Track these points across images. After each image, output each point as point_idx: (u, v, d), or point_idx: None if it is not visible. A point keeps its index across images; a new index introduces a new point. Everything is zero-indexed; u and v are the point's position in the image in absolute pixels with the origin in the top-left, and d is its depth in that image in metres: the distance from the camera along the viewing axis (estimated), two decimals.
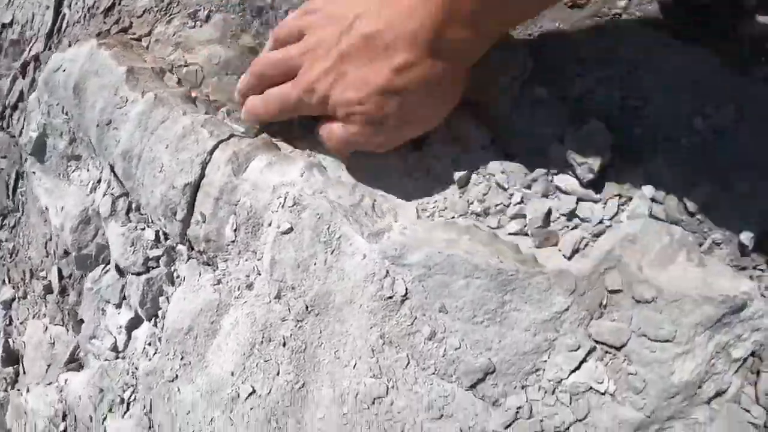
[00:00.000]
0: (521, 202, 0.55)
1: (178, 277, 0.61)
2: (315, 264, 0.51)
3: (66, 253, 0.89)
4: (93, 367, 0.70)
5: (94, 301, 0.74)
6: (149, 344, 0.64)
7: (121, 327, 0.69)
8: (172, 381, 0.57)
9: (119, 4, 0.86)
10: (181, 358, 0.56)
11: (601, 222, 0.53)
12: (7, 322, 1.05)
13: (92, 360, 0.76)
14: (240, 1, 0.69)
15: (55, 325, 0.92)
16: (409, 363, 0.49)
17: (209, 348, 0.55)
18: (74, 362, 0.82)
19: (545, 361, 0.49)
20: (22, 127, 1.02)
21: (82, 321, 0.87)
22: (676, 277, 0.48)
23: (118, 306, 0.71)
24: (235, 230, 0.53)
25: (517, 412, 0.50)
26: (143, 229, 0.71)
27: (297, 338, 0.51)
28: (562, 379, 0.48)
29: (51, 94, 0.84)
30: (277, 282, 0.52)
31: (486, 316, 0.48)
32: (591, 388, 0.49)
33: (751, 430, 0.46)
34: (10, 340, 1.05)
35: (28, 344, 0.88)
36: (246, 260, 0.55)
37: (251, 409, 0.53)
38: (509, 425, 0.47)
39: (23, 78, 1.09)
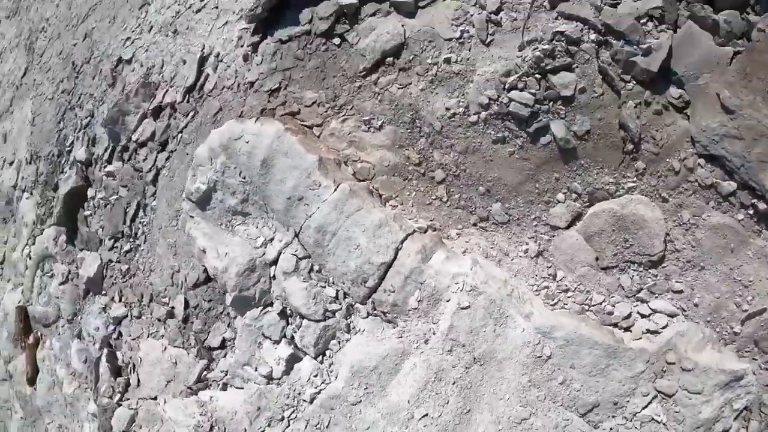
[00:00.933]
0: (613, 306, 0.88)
1: (354, 327, 0.87)
2: (485, 331, 0.80)
3: (196, 286, 1.09)
4: (249, 389, 0.93)
5: (251, 335, 0.97)
6: (315, 376, 0.88)
7: (280, 359, 0.92)
8: (355, 404, 0.83)
9: (285, 89, 1.07)
10: (365, 388, 0.82)
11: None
12: (116, 336, 1.21)
13: (239, 382, 0.98)
14: (411, 120, 0.94)
15: (175, 346, 1.11)
16: (546, 398, 0.78)
17: (390, 383, 0.82)
18: (202, 382, 1.02)
19: (628, 401, 0.81)
20: (152, 164, 1.19)
21: (210, 348, 1.07)
22: (705, 358, 0.81)
23: (277, 342, 0.95)
24: (419, 301, 0.81)
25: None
26: (323, 287, 0.96)
27: (464, 379, 0.80)
28: (636, 413, 0.80)
29: (229, 158, 1.05)
30: (451, 341, 0.81)
31: (597, 372, 0.79)
32: (653, 419, 0.81)
33: None
34: (118, 353, 1.20)
35: (144, 360, 1.07)
36: (424, 323, 0.83)
37: (424, 426, 0.80)
38: None
39: (154, 120, 1.24)
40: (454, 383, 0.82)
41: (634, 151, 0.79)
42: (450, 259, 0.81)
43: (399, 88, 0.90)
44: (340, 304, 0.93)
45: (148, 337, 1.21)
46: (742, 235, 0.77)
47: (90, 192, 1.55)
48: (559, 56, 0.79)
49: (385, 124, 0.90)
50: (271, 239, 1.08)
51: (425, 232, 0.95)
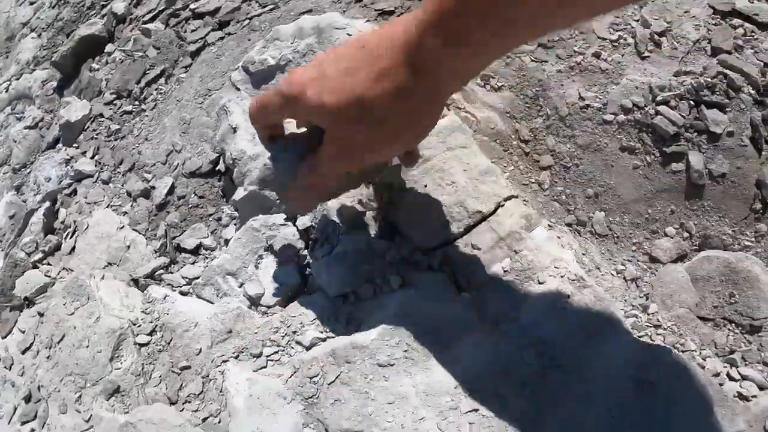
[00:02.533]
0: None
1: (406, 280, 0.67)
2: (578, 336, 0.65)
3: (192, 175, 0.83)
4: (225, 305, 0.69)
5: (254, 243, 0.73)
6: (327, 319, 0.68)
7: (283, 286, 0.69)
8: (384, 366, 0.63)
9: (401, 15, 0.89)
10: (405, 351, 0.63)
11: None
12: (69, 193, 0.94)
13: (209, 293, 0.73)
14: (535, 95, 0.82)
15: (135, 230, 0.82)
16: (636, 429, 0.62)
17: (440, 355, 0.64)
18: (153, 280, 0.74)
19: None
20: (201, 38, 0.98)
21: (179, 248, 0.79)
22: None
23: (285, 263, 0.71)
24: (505, 271, 0.66)
25: None
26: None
27: (537, 382, 0.63)
28: None
29: (320, 43, 0.85)
30: (529, 336, 0.65)
31: (701, 416, 0.65)
32: None
33: None
34: (62, 211, 0.93)
35: (91, 229, 0.83)
36: (500, 300, 0.67)
37: (470, 423, 0.62)
38: None
39: None
40: (523, 385, 0.62)
41: (761, 212, 0.74)
42: (553, 240, 0.66)
43: (533, 61, 0.80)
44: (397, 248, 0.68)
45: (107, 207, 0.87)
46: None
47: (109, 47, 1.23)
48: (718, 93, 0.76)
49: (505, 88, 0.78)
50: None
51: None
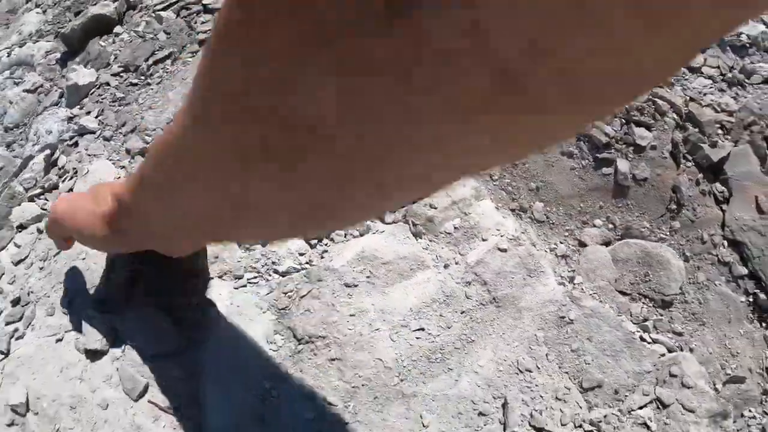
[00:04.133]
0: None
1: (373, 228, 0.82)
2: (514, 277, 0.79)
3: None
4: None
5: None
6: (302, 254, 0.81)
7: None
8: (350, 286, 0.77)
9: None
10: (368, 276, 0.77)
11: None
12: (71, 143, 1.05)
13: None
14: None
15: None
16: (554, 360, 0.76)
17: (395, 284, 0.77)
18: None
19: (627, 395, 0.79)
20: (210, 30, 1.12)
21: None
22: (702, 385, 0.82)
23: None
24: (455, 228, 0.81)
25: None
26: None
27: (476, 313, 0.77)
28: (632, 410, 0.78)
29: None
30: (474, 275, 0.79)
31: (611, 353, 0.79)
32: (645, 423, 0.78)
33: None
34: (62, 157, 1.04)
35: (90, 174, 0.95)
36: (450, 250, 0.81)
37: (417, 338, 0.75)
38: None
39: None
40: (462, 312, 0.73)
41: (675, 211, 0.87)
42: (498, 210, 0.78)
43: None
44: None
45: (107, 159, 0.95)
46: (740, 313, 0.83)
47: (118, 29, 1.33)
48: (646, 115, 0.90)
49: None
50: None
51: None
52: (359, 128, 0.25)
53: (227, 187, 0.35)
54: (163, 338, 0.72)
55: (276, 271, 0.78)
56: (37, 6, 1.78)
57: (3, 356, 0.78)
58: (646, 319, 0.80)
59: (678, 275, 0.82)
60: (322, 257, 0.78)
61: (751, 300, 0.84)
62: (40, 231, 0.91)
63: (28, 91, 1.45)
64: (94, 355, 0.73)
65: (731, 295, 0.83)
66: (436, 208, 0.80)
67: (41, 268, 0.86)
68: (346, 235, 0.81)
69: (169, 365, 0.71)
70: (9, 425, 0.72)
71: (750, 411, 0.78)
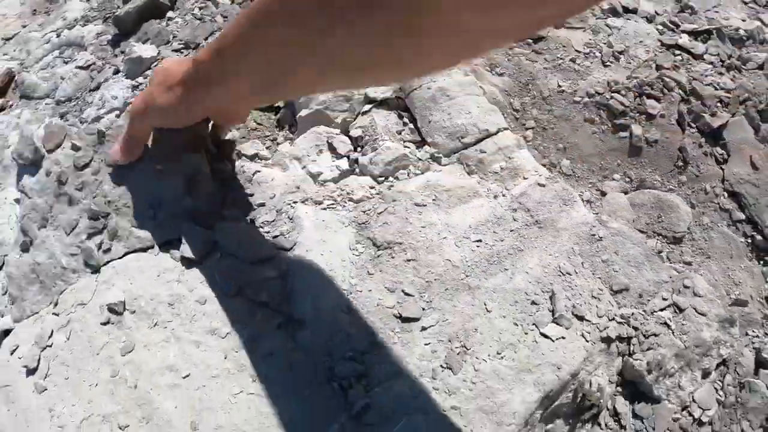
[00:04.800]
0: None
1: (431, 168, 0.97)
2: (552, 206, 0.95)
3: (254, 108, 1.13)
4: (292, 172, 0.97)
5: (316, 140, 1.03)
6: (372, 188, 0.96)
7: (336, 167, 0.99)
8: (419, 205, 0.92)
9: None
10: (434, 199, 0.92)
11: None
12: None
13: (279, 169, 1.01)
14: (526, 82, 1.16)
15: None
16: (588, 267, 0.90)
17: (456, 207, 0.92)
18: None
19: (649, 299, 0.90)
20: None
21: (241, 155, 1.07)
22: (710, 295, 0.97)
23: (339, 157, 1.02)
24: (501, 168, 0.97)
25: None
26: (411, 130, 1.05)
27: (522, 231, 0.92)
28: (654, 311, 0.88)
29: None
30: (519, 203, 0.94)
31: (634, 264, 0.92)
32: (665, 322, 0.90)
33: None
34: None
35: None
36: (498, 185, 0.97)
37: (477, 246, 0.90)
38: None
39: None
40: (512, 231, 0.86)
41: (682, 167, 1.01)
42: (535, 159, 0.92)
43: (527, 60, 1.12)
44: (425, 150, 0.94)
45: None
46: (741, 251, 0.96)
47: (171, 14, 1.44)
48: (656, 89, 1.06)
49: (506, 75, 1.08)
50: None
51: None
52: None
53: (313, 43, 0.45)
54: (257, 247, 0.84)
55: (351, 199, 0.93)
56: None
57: (93, 270, 0.83)
58: (660, 251, 0.96)
59: (686, 216, 0.98)
60: (389, 189, 0.93)
61: (749, 241, 1.00)
62: (102, 134, 0.95)
63: (80, 67, 1.51)
64: (190, 262, 0.82)
65: (732, 235, 0.99)
66: (485, 152, 0.96)
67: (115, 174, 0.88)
68: (409, 174, 0.96)
69: (262, 269, 0.81)
70: (104, 323, 0.79)
71: (753, 331, 0.93)
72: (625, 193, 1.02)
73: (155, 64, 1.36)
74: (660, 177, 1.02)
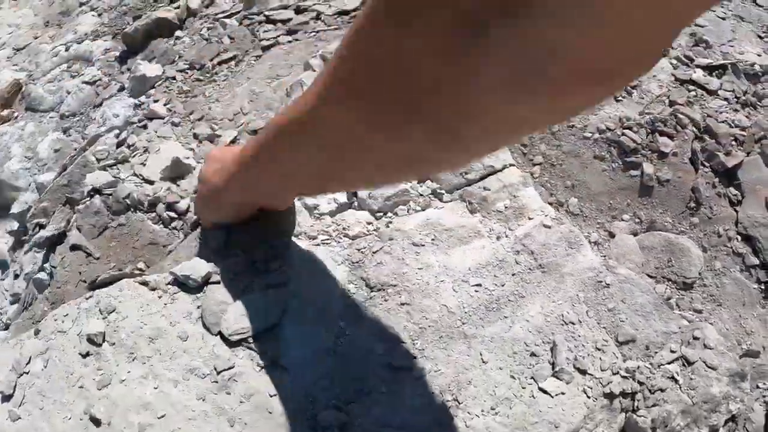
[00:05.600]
0: None
1: (433, 205, 0.93)
2: (557, 248, 0.91)
3: (254, 132, 1.10)
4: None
5: None
6: (369, 224, 0.93)
7: (333, 200, 0.96)
8: (417, 245, 0.88)
9: None
10: (433, 238, 0.89)
11: None
12: (140, 125, 1.10)
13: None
14: None
15: (198, 162, 1.06)
16: (593, 316, 0.86)
17: (456, 248, 0.89)
18: None
19: (657, 352, 0.87)
20: (273, 37, 1.24)
21: None
22: (722, 347, 0.92)
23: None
24: (506, 207, 0.93)
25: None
26: None
27: (524, 276, 0.88)
28: (661, 365, 0.85)
29: None
30: (522, 245, 0.91)
31: (642, 314, 0.88)
32: (672, 377, 0.87)
33: None
34: (132, 136, 1.09)
35: (162, 151, 1.03)
36: (501, 225, 0.93)
37: (476, 291, 0.86)
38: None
39: (296, 14, 1.32)
40: (514, 275, 0.82)
41: (695, 209, 0.97)
42: (541, 196, 0.89)
43: None
44: (426, 186, 0.92)
45: (176, 141, 1.03)
46: (754, 298, 0.92)
47: (179, 33, 1.43)
48: (669, 126, 1.02)
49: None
50: None
51: None
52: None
53: (352, 149, 0.46)
54: (246, 282, 0.82)
55: (347, 235, 0.90)
56: (93, 9, 1.97)
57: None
58: (669, 298, 0.92)
59: (697, 261, 0.94)
60: (387, 226, 0.90)
61: (763, 287, 0.96)
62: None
63: (86, 83, 1.55)
64: (174, 294, 0.81)
65: (745, 281, 0.95)
66: (489, 190, 0.92)
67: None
68: (408, 210, 0.93)
69: (250, 304, 0.79)
70: (83, 355, 0.77)
71: (764, 383, 0.89)
72: (635, 234, 0.98)
73: (158, 83, 1.35)
74: (671, 218, 0.98)
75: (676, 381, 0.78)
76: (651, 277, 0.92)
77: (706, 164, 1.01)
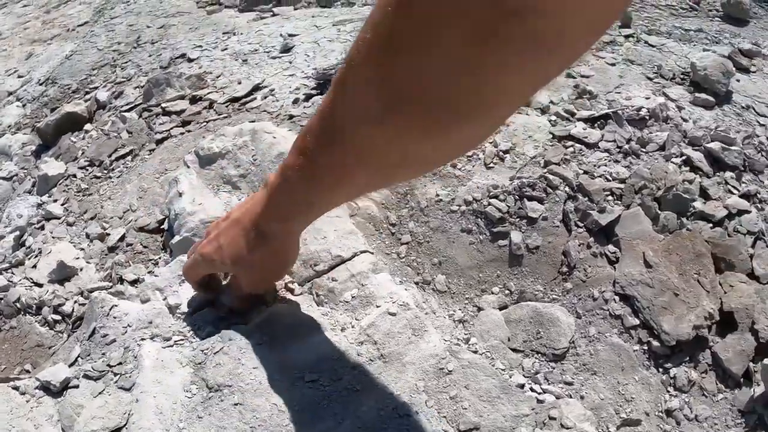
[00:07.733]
0: None
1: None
2: (401, 337, 0.88)
3: (141, 230, 1.13)
4: (151, 305, 0.94)
5: (178, 271, 1.01)
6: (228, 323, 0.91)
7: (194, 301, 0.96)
8: (257, 345, 0.86)
9: None
10: (270, 336, 0.86)
11: None
12: (39, 227, 1.13)
13: (143, 300, 0.99)
14: (405, 193, 1.09)
15: (88, 262, 1.10)
16: (433, 406, 0.81)
17: (295, 344, 0.87)
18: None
19: None
20: (167, 130, 1.32)
21: (122, 279, 1.07)
22: (585, 426, 0.86)
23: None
24: (353, 297, 0.91)
25: None
26: None
27: (364, 368, 0.85)
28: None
29: (253, 141, 1.18)
30: (366, 336, 0.88)
31: (488, 399, 0.83)
32: None
33: None
34: (29, 238, 1.12)
35: (53, 253, 1.04)
36: (348, 316, 0.90)
37: (310, 388, 0.83)
38: None
39: (190, 104, 1.41)
40: (353, 368, 0.80)
41: (567, 274, 0.91)
42: (392, 282, 0.87)
43: None
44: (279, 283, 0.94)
45: (69, 242, 1.09)
46: (633, 361, 0.84)
47: (87, 126, 1.53)
48: (537, 190, 0.99)
49: (384, 188, 1.06)
50: None
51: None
52: None
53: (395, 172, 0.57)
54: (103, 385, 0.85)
55: (197, 335, 0.90)
56: (18, 100, 2.04)
57: None
58: (537, 372, 0.87)
59: (567, 330, 0.89)
60: (235, 323, 0.90)
61: (645, 348, 0.90)
62: None
63: (4, 178, 1.60)
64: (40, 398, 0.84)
65: (623, 345, 0.89)
66: (336, 281, 0.91)
67: None
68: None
69: (104, 407, 0.81)
70: None
71: None
72: (504, 307, 0.94)
73: (60, 182, 1.41)
74: (542, 286, 0.94)
75: None
76: (518, 351, 0.88)
77: (580, 224, 0.98)
